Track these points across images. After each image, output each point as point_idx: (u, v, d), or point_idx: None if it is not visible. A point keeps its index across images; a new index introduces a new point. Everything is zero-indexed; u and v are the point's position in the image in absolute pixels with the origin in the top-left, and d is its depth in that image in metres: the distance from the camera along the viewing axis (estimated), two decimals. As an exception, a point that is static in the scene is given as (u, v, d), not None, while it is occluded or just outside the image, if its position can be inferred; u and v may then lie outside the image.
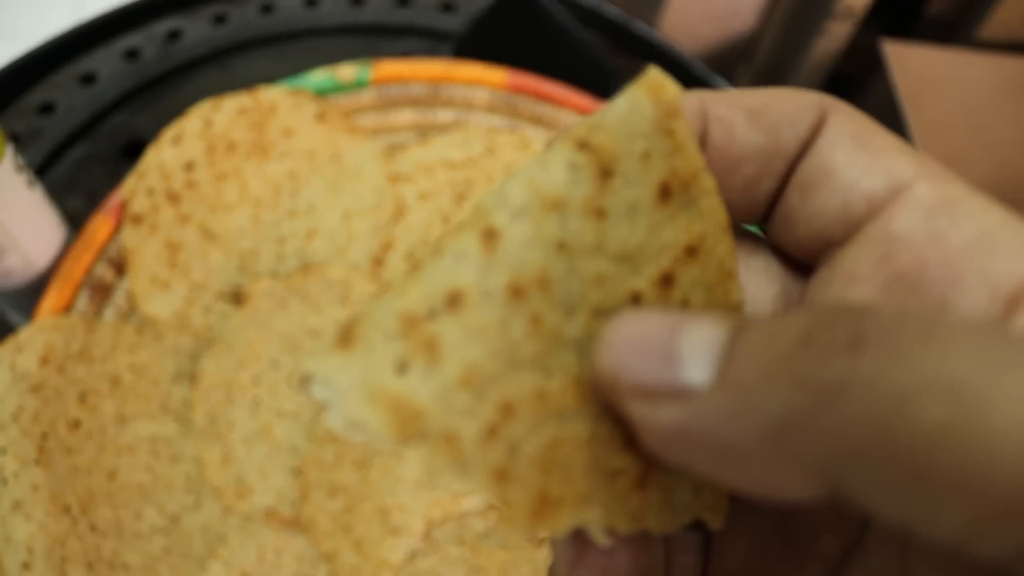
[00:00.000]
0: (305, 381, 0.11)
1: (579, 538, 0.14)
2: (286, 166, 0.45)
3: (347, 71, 0.47)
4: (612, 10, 0.56)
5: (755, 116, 0.14)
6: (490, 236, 0.12)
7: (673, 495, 0.13)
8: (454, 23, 0.56)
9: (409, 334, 0.11)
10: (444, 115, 0.49)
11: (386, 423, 0.11)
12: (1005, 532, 0.09)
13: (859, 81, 0.66)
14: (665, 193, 0.13)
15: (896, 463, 0.09)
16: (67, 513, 0.35)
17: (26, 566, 0.33)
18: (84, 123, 0.49)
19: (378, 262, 0.44)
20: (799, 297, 0.15)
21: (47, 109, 0.49)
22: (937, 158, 0.61)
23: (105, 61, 0.51)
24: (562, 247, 0.12)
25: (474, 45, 0.52)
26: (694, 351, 0.11)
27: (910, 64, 0.62)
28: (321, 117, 0.46)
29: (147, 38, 0.53)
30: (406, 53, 0.54)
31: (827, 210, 0.13)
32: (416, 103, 0.49)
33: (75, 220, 0.43)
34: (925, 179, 0.13)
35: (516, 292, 0.12)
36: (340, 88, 0.47)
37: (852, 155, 0.13)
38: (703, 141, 0.14)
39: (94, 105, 0.49)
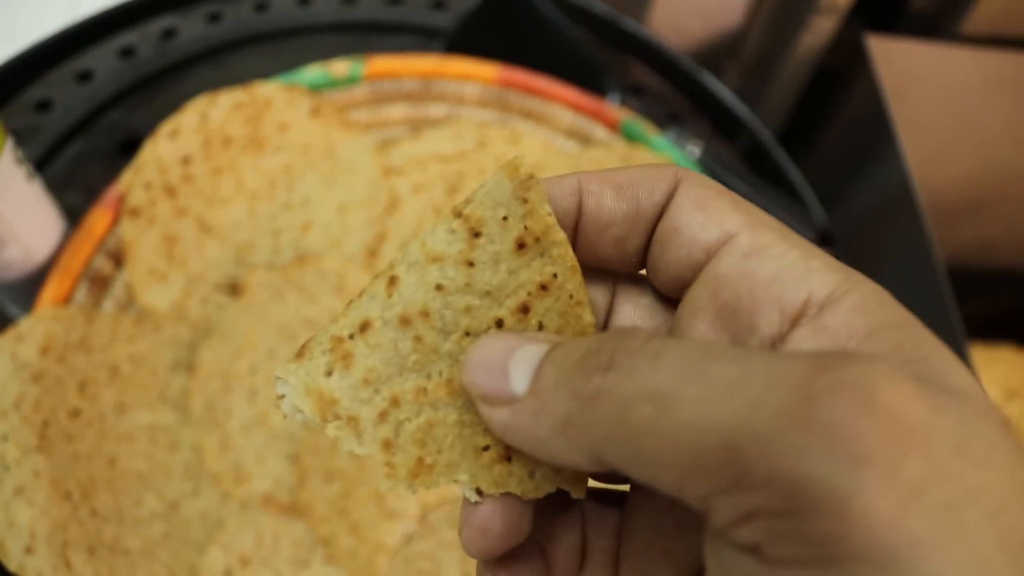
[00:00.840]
0: (276, 380, 0.18)
1: (468, 506, 0.18)
2: (281, 160, 0.45)
3: (340, 67, 0.48)
4: (601, 6, 0.57)
5: (620, 189, 0.18)
6: (392, 282, 0.18)
7: (536, 468, 0.18)
8: (445, 20, 0.57)
9: (336, 349, 0.18)
10: (436, 110, 0.50)
11: (314, 409, 0.17)
12: (694, 488, 0.13)
13: (844, 76, 0.67)
14: (521, 245, 0.18)
15: (625, 447, 0.14)
16: (68, 499, 0.36)
17: (29, 550, 0.33)
18: (81, 120, 0.49)
19: (372, 253, 0.45)
20: (672, 326, 0.19)
21: (44, 106, 0.49)
22: (922, 151, 0.62)
23: (101, 59, 0.52)
24: (440, 288, 0.18)
25: (465, 41, 0.53)
26: (519, 368, 0.16)
27: (894, 58, 0.63)
28: (315, 112, 0.46)
29: (142, 36, 0.54)
30: (398, 50, 0.55)
31: (678, 259, 0.17)
32: (408, 98, 0.50)
33: (73, 215, 0.44)
34: (747, 229, 0.17)
35: (404, 320, 0.18)
36: (334, 83, 0.48)
37: (694, 215, 0.17)
38: (578, 210, 0.18)
39: (91, 102, 0.50)
